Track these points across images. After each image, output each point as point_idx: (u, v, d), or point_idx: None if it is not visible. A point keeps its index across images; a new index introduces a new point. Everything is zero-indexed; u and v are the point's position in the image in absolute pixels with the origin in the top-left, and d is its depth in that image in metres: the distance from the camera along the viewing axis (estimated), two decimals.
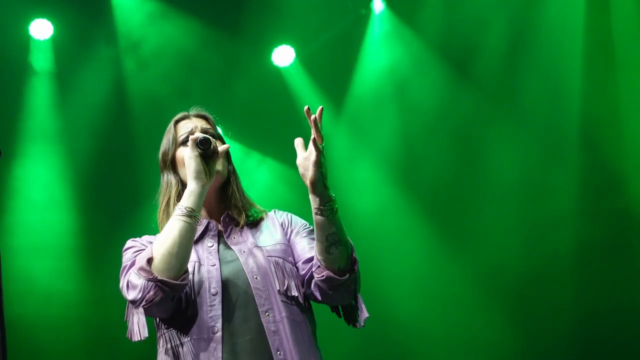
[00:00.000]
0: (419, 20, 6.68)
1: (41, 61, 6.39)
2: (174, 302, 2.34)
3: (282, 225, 2.66)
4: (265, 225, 2.64)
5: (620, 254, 6.13)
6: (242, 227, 2.58)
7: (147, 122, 6.68)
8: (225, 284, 2.41)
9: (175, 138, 2.62)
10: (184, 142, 2.61)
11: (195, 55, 6.67)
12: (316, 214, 2.37)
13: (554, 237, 6.29)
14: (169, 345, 2.38)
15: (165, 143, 2.64)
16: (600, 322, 6.13)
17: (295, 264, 2.55)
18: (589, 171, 6.26)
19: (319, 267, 2.42)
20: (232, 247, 2.52)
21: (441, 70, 6.64)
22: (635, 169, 6.05)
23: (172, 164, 2.60)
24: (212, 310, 2.37)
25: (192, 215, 2.36)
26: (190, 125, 2.63)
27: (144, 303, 2.26)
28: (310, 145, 2.32)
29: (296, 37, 6.83)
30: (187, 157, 2.44)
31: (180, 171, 2.58)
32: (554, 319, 6.31)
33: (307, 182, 2.35)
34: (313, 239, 2.53)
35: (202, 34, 6.65)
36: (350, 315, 2.53)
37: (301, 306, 2.48)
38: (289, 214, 2.72)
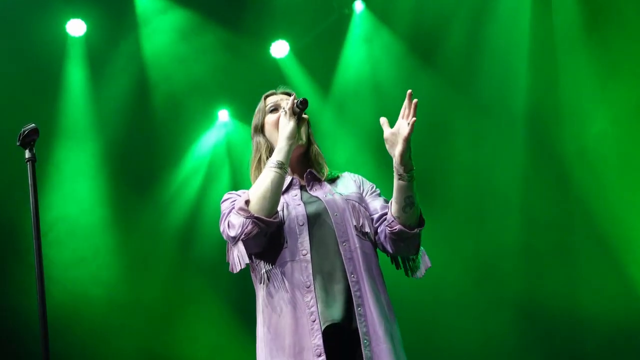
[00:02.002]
0: (392, 18, 6.98)
1: (76, 54, 6.77)
2: (267, 238, 2.57)
3: (355, 182, 2.87)
4: (340, 181, 2.86)
5: (563, 237, 6.43)
6: (322, 183, 2.80)
7: (164, 106, 7.09)
8: (310, 218, 2.64)
9: (263, 108, 2.88)
10: (272, 111, 2.85)
11: (204, 49, 6.97)
12: (399, 179, 2.59)
13: (502, 216, 6.61)
14: (264, 271, 2.63)
15: (257, 113, 2.90)
16: (544, 313, 6.39)
17: (370, 216, 2.76)
18: (534, 153, 6.58)
19: (392, 221, 2.65)
20: (313, 194, 2.75)
21: (410, 60, 6.96)
22: (576, 154, 6.37)
23: (261, 129, 2.86)
24: (300, 238, 2.60)
25: (282, 167, 2.61)
26: (277, 98, 2.89)
27: (243, 236, 2.51)
28: (404, 122, 2.56)
29: (290, 32, 7.19)
30: (282, 121, 2.71)
31: (268, 134, 2.84)
32: (502, 305, 6.57)
33: (396, 152, 2.57)
34: (384, 199, 2.80)
35: (210, 31, 6.97)
36: (409, 266, 2.76)
37: (371, 241, 2.71)
38: (360, 176, 2.92)
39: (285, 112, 2.72)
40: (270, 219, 2.55)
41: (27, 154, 2.65)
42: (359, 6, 7.13)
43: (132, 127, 7.07)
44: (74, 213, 6.83)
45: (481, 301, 6.66)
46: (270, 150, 2.79)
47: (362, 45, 7.14)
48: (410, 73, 6.98)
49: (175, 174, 7.33)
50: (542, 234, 6.52)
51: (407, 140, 2.55)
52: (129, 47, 6.93)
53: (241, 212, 2.53)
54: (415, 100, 2.58)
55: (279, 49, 7.24)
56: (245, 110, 7.21)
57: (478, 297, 6.66)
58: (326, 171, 2.85)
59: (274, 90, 2.95)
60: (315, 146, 2.89)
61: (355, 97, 7.12)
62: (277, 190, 2.58)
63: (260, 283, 2.64)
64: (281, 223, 2.61)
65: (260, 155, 2.82)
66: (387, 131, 2.63)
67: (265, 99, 2.92)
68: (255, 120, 2.90)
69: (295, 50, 7.28)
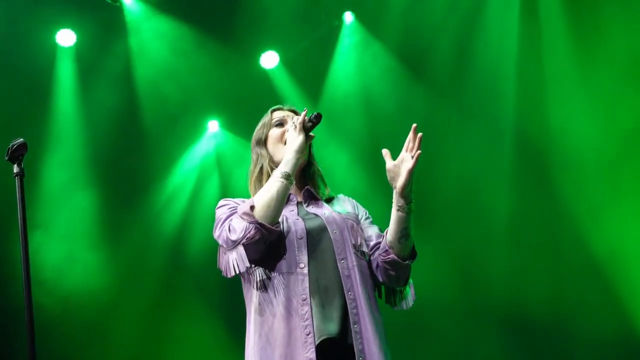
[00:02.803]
0: (382, 29, 7.02)
1: (65, 65, 6.77)
2: (266, 246, 2.59)
3: (350, 204, 2.91)
4: (336, 201, 2.91)
5: (549, 248, 6.45)
6: (318, 201, 2.83)
7: (153, 115, 7.09)
8: (309, 233, 2.66)
9: (270, 121, 2.89)
10: (277, 125, 2.86)
11: (194, 60, 7.02)
12: (398, 210, 2.65)
13: (488, 226, 6.64)
14: (259, 279, 2.62)
15: (261, 126, 2.91)
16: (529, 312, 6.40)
17: (365, 242, 2.78)
18: (520, 163, 6.61)
19: (386, 251, 2.70)
20: (310, 211, 2.77)
21: (399, 71, 6.99)
22: (559, 164, 6.41)
23: (264, 142, 2.86)
24: (298, 251, 2.62)
25: (288, 178, 2.63)
26: (284, 113, 2.91)
27: (244, 240, 2.53)
28: (408, 155, 2.63)
29: (280, 43, 7.20)
30: (292, 134, 2.73)
31: (270, 147, 2.85)
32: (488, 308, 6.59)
33: (398, 185, 2.63)
34: (378, 228, 2.84)
35: (200, 41, 6.99)
36: (393, 297, 2.81)
37: (367, 261, 2.76)
38: (354, 200, 2.96)
39: (295, 126, 2.73)
40: (273, 227, 2.57)
41: (16, 169, 2.66)
42: (348, 17, 7.17)
43: (122, 138, 7.09)
44: (63, 223, 6.80)
45: (467, 311, 6.68)
46: (272, 163, 2.83)
47: (352, 57, 7.19)
48: (399, 84, 7.04)
49: (166, 184, 7.35)
50: (528, 244, 6.54)
51: (411, 174, 2.62)
52: (118, 57, 6.95)
53: (245, 217, 2.55)
54: (420, 134, 2.64)
55: (269, 59, 7.26)
56: (235, 120, 7.32)
57: (464, 306, 6.68)
58: (327, 192, 2.90)
59: (281, 106, 2.98)
60: (316, 165, 2.92)
61: (345, 108, 7.15)
62: (282, 200, 2.62)
63: (255, 290, 2.65)
64: (281, 233, 2.63)
65: (262, 167, 2.84)
66: (389, 163, 2.67)
67: (271, 112, 2.94)
68: (258, 132, 2.92)
69: (285, 61, 7.29)
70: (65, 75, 6.84)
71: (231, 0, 7.00)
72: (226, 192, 7.26)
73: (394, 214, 2.67)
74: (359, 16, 7.16)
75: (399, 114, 6.94)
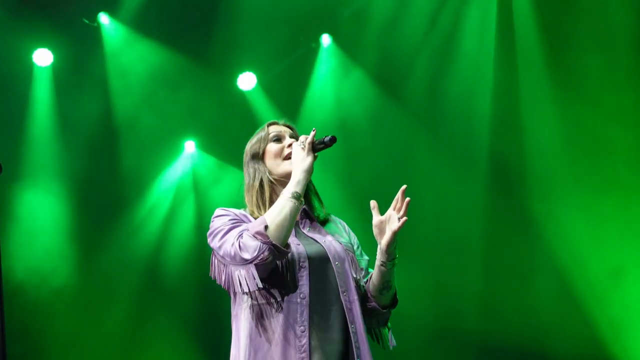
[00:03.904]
0: (360, 52, 7.08)
1: (42, 84, 6.81)
2: (272, 267, 2.54)
3: (345, 231, 2.88)
4: (332, 225, 2.85)
5: (524, 280, 6.47)
6: (315, 223, 2.79)
7: (129, 137, 7.12)
8: (311, 261, 2.61)
9: (267, 136, 2.83)
10: (274, 140, 2.81)
11: (171, 80, 7.05)
12: (381, 265, 2.67)
13: (463, 257, 6.66)
14: (255, 302, 2.57)
15: (257, 141, 2.84)
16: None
17: None
18: (494, 188, 6.66)
19: (368, 298, 2.74)
20: (309, 235, 2.73)
21: (376, 94, 7.04)
22: (534, 190, 6.49)
23: (262, 157, 2.80)
24: (300, 280, 2.58)
25: (299, 198, 2.58)
26: (281, 129, 2.86)
27: (257, 261, 2.48)
28: (395, 215, 2.64)
29: (258, 65, 7.23)
30: (301, 156, 2.66)
31: (269, 163, 2.79)
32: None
33: (383, 242, 2.65)
34: (367, 260, 2.85)
35: (178, 62, 7.05)
36: (378, 336, 2.84)
37: (363, 295, 2.75)
38: (345, 224, 2.93)
39: (304, 146, 2.68)
40: (284, 249, 2.53)
41: None
42: (326, 40, 7.23)
43: (98, 158, 7.09)
44: (38, 242, 6.81)
45: (441, 335, 6.69)
46: (272, 176, 2.78)
47: (329, 79, 7.24)
48: (376, 107, 7.08)
49: (142, 204, 7.33)
50: (502, 268, 6.57)
51: (396, 234, 2.63)
52: (96, 77, 6.98)
53: (258, 237, 2.49)
54: (407, 199, 2.66)
55: (246, 81, 7.28)
56: (211, 141, 7.34)
57: (438, 331, 6.69)
58: (323, 212, 2.85)
59: (276, 120, 2.94)
60: (311, 183, 2.85)
61: (321, 130, 7.01)
62: (293, 222, 2.57)
63: (249, 312, 2.59)
64: (292, 255, 2.60)
65: (262, 180, 2.77)
66: (376, 218, 2.68)
67: (268, 127, 2.88)
68: (254, 147, 2.85)
69: (263, 82, 7.32)
70: (42, 95, 6.86)
71: (209, 21, 7.02)
72: (202, 212, 7.26)
73: (377, 268, 2.70)
74: (336, 39, 7.22)
75: (375, 137, 7.03)
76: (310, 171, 2.66)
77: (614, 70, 6.17)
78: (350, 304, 2.61)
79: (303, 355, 2.49)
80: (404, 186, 2.69)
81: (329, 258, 2.64)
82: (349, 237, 2.85)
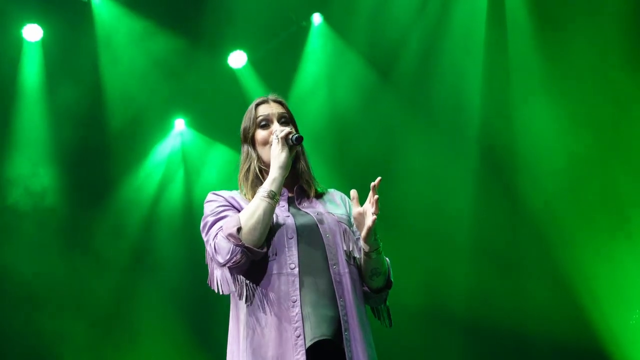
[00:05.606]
0: (350, 31, 7.07)
1: (32, 60, 6.76)
2: (247, 267, 2.56)
3: (342, 202, 2.87)
4: (328, 198, 2.85)
5: (512, 258, 6.51)
6: (311, 198, 2.80)
7: (120, 114, 7.07)
8: (299, 232, 2.63)
9: (255, 118, 2.81)
10: (262, 126, 2.80)
11: (161, 58, 6.98)
12: (365, 255, 2.66)
13: (453, 234, 6.68)
14: (249, 280, 2.58)
15: (247, 121, 2.83)
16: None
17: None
18: (485, 171, 6.68)
19: (361, 281, 2.72)
20: (303, 210, 2.74)
21: (366, 74, 7.05)
22: (524, 173, 6.49)
23: (252, 141, 2.81)
24: (288, 251, 2.59)
25: (274, 197, 2.57)
26: (269, 110, 2.83)
27: (230, 264, 2.52)
28: (369, 210, 2.60)
29: (248, 43, 7.23)
30: (277, 151, 2.66)
31: (259, 149, 2.79)
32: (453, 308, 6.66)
33: (362, 235, 2.63)
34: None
35: (168, 39, 6.95)
36: (378, 314, 2.85)
37: (358, 267, 2.72)
38: (345, 196, 2.90)
39: (278, 141, 2.67)
40: (259, 250, 2.54)
41: None
42: (317, 19, 7.22)
43: (87, 134, 7.05)
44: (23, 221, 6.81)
45: (431, 315, 6.70)
46: (260, 163, 2.79)
47: (320, 58, 7.23)
48: (366, 86, 7.07)
49: (131, 182, 7.32)
50: (491, 251, 6.57)
51: (373, 228, 2.60)
52: (85, 53, 6.91)
53: (231, 239, 2.52)
54: (376, 197, 2.62)
55: (237, 59, 7.27)
56: (201, 119, 7.35)
57: (428, 311, 6.70)
58: (314, 187, 2.84)
59: (264, 97, 2.90)
60: (305, 161, 2.86)
61: (312, 109, 7.14)
62: (268, 222, 2.57)
63: (243, 293, 2.59)
64: (270, 233, 2.60)
65: (250, 166, 2.79)
66: (355, 210, 2.66)
67: (256, 107, 2.86)
68: (244, 125, 2.85)
69: (253, 61, 7.31)
70: (31, 71, 6.81)
71: None
72: (191, 189, 7.25)
73: (362, 257, 2.68)
74: (327, 18, 7.21)
75: (365, 115, 7.03)
76: (286, 166, 2.65)
77: (605, 54, 6.15)
78: (339, 276, 2.60)
79: (297, 325, 2.49)
80: (378, 178, 2.64)
81: (319, 230, 2.65)
82: (345, 208, 2.83)
